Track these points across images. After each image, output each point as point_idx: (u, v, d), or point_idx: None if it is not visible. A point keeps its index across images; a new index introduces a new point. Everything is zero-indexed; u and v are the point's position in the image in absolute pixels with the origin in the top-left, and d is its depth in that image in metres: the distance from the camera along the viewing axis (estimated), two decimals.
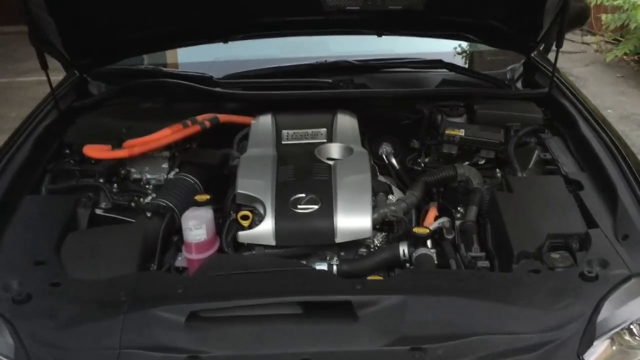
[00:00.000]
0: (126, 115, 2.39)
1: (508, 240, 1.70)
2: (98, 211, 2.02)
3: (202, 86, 2.41)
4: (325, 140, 2.10)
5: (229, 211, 1.89)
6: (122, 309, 1.48)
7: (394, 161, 2.49)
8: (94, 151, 2.16)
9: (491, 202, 1.91)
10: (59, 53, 2.34)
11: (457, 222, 1.99)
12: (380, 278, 1.66)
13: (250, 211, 1.84)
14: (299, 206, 1.80)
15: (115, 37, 2.41)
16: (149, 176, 2.24)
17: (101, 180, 2.08)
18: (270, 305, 1.47)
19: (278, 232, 1.76)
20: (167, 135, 2.17)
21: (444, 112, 2.38)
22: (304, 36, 2.55)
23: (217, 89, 2.41)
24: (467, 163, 2.23)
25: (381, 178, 2.26)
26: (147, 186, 2.21)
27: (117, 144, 2.20)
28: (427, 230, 1.80)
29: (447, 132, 2.24)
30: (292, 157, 2.00)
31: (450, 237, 1.96)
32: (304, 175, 1.91)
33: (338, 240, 1.77)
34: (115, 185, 2.14)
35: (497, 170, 2.17)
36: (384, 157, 2.50)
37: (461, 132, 2.22)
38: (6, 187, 1.91)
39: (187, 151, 2.25)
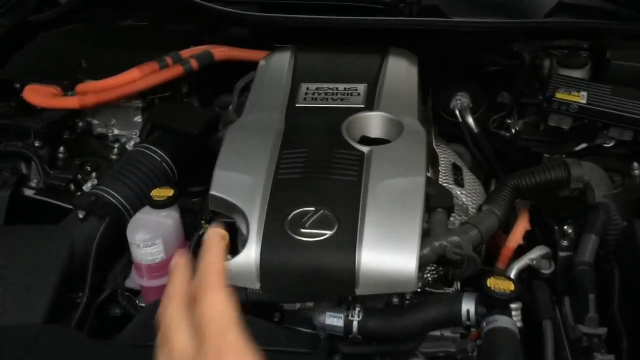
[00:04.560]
0: (94, 39, 1.72)
1: None
2: (28, 192, 1.41)
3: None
4: (362, 105, 1.34)
5: (199, 219, 1.22)
6: None
7: (470, 120, 1.71)
8: (36, 95, 1.52)
9: (625, 236, 1.15)
10: None
11: (562, 254, 1.25)
12: None
13: (228, 225, 1.16)
14: (302, 230, 1.10)
15: None
16: (116, 132, 1.60)
17: (37, 143, 1.45)
18: None
19: (264, 270, 1.08)
20: (134, 79, 1.48)
21: (557, 59, 1.56)
22: None
23: (217, 6, 1.66)
24: (584, 146, 1.45)
25: (447, 153, 1.51)
26: (114, 146, 1.56)
27: (71, 85, 1.55)
28: (511, 287, 1.07)
29: (558, 95, 1.43)
30: (307, 133, 1.28)
31: (547, 272, 1.24)
32: (317, 169, 1.19)
33: (360, 291, 1.08)
34: (61, 148, 1.50)
35: (636, 164, 1.38)
36: (457, 112, 1.73)
37: (581, 98, 1.41)
38: None
39: (161, 104, 1.56)
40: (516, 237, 1.31)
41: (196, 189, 1.44)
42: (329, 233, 1.09)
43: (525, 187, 1.26)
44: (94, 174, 1.44)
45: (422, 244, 1.10)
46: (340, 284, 1.08)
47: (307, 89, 1.39)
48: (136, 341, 1.02)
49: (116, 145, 1.55)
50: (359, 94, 1.37)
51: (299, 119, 1.31)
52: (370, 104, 1.34)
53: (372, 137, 1.30)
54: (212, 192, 1.17)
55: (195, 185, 1.43)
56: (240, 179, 1.18)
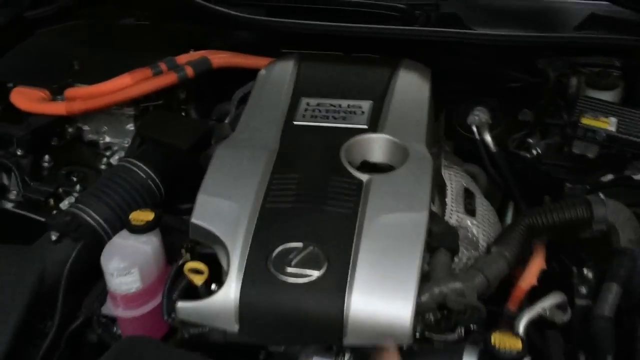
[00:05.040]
0: (91, 38, 1.63)
1: None
2: (8, 205, 1.33)
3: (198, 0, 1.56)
4: (365, 126, 1.23)
5: (179, 248, 1.12)
6: None
7: (488, 138, 1.57)
8: (23, 99, 1.44)
9: None
10: None
11: (580, 303, 1.12)
12: None
13: (208, 259, 1.06)
14: (288, 268, 0.99)
15: None
16: (108, 139, 1.51)
17: (19, 152, 1.37)
18: None
19: (244, 311, 0.98)
20: (125, 85, 1.39)
21: (585, 78, 1.42)
22: None
23: (222, 9, 1.55)
24: (610, 177, 1.31)
25: (459, 176, 1.38)
26: (105, 154, 1.48)
27: (61, 89, 1.46)
28: (518, 345, 0.95)
29: (584, 121, 1.29)
30: (302, 156, 1.17)
31: (563, 319, 1.12)
32: (310, 199, 1.08)
33: (348, 341, 0.98)
34: (47, 157, 1.41)
35: None
36: (474, 128, 1.59)
37: (610, 125, 1.27)
38: None
39: (152, 114, 1.46)
40: (530, 277, 1.19)
41: (185, 206, 1.33)
42: (316, 274, 0.99)
43: (542, 227, 1.14)
44: (78, 186, 1.35)
45: (421, 290, 0.99)
46: (326, 333, 0.97)
47: (308, 104, 1.28)
48: None
49: (107, 154, 1.47)
50: (362, 112, 1.25)
51: (296, 139, 1.20)
52: (374, 125, 1.22)
53: (374, 162, 1.18)
54: (193, 220, 1.07)
55: (184, 201, 1.33)
56: (225, 207, 1.08)
